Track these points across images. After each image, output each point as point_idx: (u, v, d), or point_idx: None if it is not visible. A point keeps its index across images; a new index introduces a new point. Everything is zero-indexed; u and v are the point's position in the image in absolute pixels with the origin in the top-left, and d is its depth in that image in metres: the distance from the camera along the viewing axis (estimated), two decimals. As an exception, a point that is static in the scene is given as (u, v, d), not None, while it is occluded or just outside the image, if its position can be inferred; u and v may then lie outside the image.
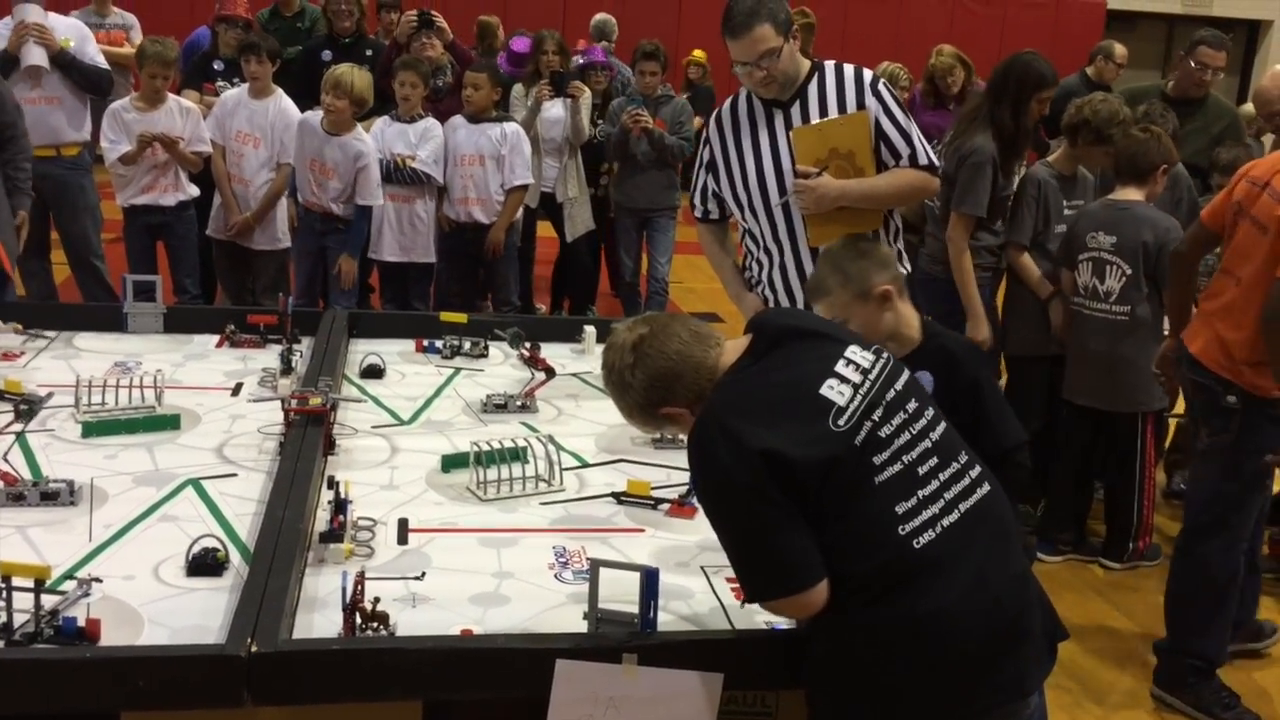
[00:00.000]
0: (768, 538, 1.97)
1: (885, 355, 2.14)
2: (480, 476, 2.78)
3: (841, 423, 2.00)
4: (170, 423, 3.07)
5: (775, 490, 1.94)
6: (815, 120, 3.37)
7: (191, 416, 3.16)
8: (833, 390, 2.03)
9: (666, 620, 2.16)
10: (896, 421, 2.04)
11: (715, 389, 2.11)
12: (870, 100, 3.37)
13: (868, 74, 3.43)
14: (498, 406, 3.36)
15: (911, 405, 2.08)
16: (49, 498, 2.54)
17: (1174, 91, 5.74)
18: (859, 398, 2.03)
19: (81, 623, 2.01)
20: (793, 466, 1.94)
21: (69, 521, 2.49)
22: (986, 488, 2.10)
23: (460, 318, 4.01)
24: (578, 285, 7.26)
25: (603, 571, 2.08)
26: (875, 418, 2.02)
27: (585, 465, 3.01)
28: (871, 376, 2.07)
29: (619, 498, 2.78)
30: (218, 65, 6.39)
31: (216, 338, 3.88)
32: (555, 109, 6.59)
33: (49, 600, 2.06)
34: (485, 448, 2.81)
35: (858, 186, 3.33)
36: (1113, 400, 4.49)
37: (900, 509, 1.98)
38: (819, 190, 3.30)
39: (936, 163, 3.48)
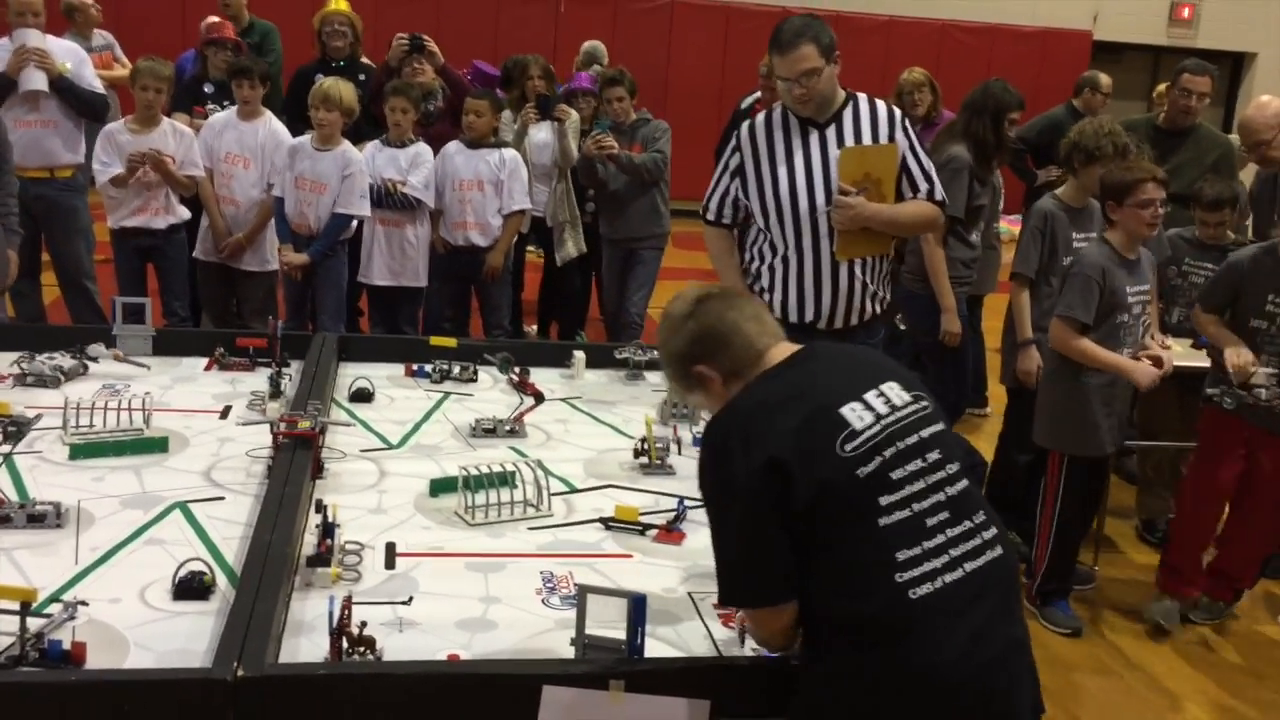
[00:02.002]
0: (752, 546, 1.99)
1: (924, 403, 2.11)
2: (468, 501, 2.78)
3: (849, 448, 1.98)
4: (158, 445, 3.07)
5: (771, 501, 1.95)
6: (849, 144, 3.61)
7: (179, 439, 3.15)
8: (853, 413, 2.02)
9: (654, 647, 2.16)
10: (911, 468, 2.01)
11: (745, 387, 2.12)
12: (900, 136, 3.67)
13: (897, 112, 3.73)
14: (486, 431, 3.36)
15: (933, 456, 2.05)
16: (35, 520, 2.54)
17: (1164, 123, 5.79)
18: (877, 428, 2.01)
19: (67, 646, 2.00)
20: (790, 480, 1.94)
21: (55, 544, 2.48)
22: (998, 551, 2.05)
23: (450, 342, 4.02)
24: (567, 310, 7.25)
25: (590, 597, 2.08)
26: (887, 455, 2.00)
27: (573, 490, 3.01)
28: (898, 415, 2.05)
29: (607, 523, 2.79)
30: (208, 88, 6.40)
31: (205, 360, 3.88)
32: (543, 133, 6.59)
33: (35, 623, 2.05)
34: (474, 472, 2.81)
35: (887, 212, 3.62)
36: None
37: (901, 556, 1.95)
38: (857, 209, 3.56)
39: (946, 200, 3.81)
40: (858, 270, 3.67)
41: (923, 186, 3.69)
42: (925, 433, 2.06)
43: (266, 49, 7.04)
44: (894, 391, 2.08)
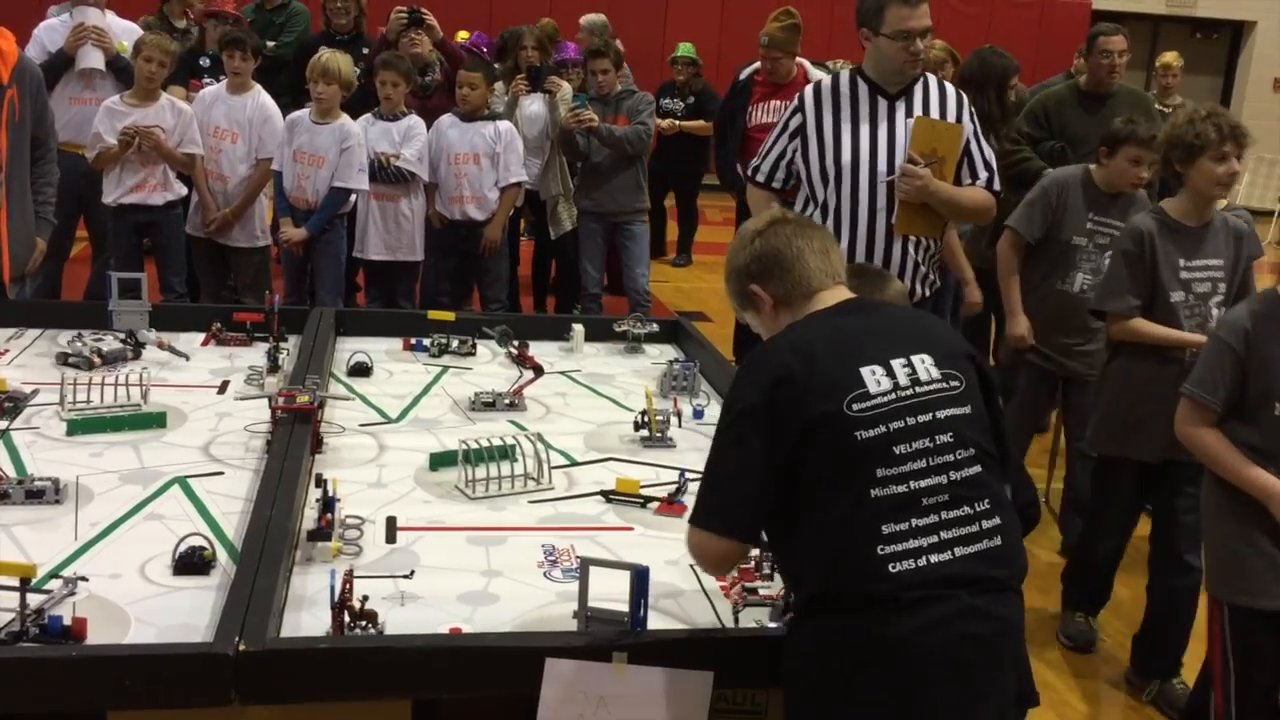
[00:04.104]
0: (733, 471, 2.00)
1: (955, 383, 2.05)
2: (469, 475, 2.77)
3: (856, 408, 1.96)
4: (156, 421, 3.05)
5: (768, 433, 1.96)
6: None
7: (178, 414, 3.14)
8: (872, 375, 2.00)
9: (656, 619, 2.15)
10: (916, 445, 1.98)
11: (792, 324, 2.14)
12: (966, 119, 3.64)
13: (964, 96, 3.70)
14: (486, 405, 3.35)
15: (943, 438, 2.00)
16: (34, 496, 2.52)
17: (1088, 85, 5.80)
18: (890, 398, 1.99)
19: (67, 621, 1.99)
20: (796, 401, 1.95)
21: (54, 520, 2.47)
22: (995, 541, 2.00)
23: (448, 316, 4.01)
24: (564, 283, 7.23)
25: (592, 570, 2.07)
26: (892, 427, 1.97)
27: (574, 464, 3.00)
28: (918, 390, 2.01)
29: (608, 496, 2.78)
30: (204, 61, 6.37)
31: (203, 336, 3.86)
32: (535, 105, 6.55)
33: (34, 599, 2.04)
34: (474, 446, 2.80)
35: (949, 191, 3.57)
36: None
37: (886, 529, 1.93)
38: (924, 182, 3.51)
39: (1002, 193, 3.77)
40: (911, 248, 3.64)
41: (982, 174, 3.66)
42: (942, 413, 2.02)
43: (288, 29, 7.00)
44: (923, 365, 2.04)
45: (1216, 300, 3.69)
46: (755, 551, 2.40)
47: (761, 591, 2.32)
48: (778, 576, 2.34)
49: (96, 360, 3.46)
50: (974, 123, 3.67)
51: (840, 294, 2.18)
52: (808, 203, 3.73)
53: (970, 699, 1.94)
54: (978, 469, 2.02)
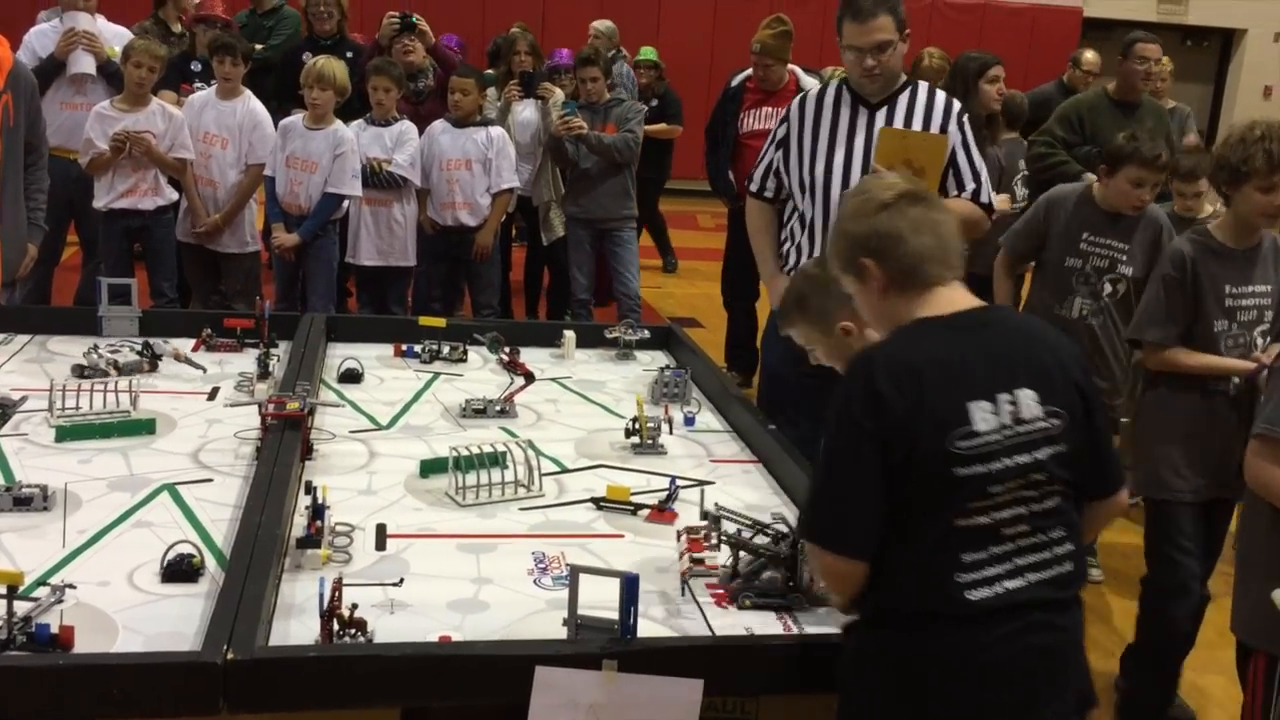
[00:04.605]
0: (850, 487, 1.94)
1: (1055, 421, 1.99)
2: (459, 482, 2.76)
3: (961, 445, 1.92)
4: (145, 427, 3.04)
5: (878, 451, 1.91)
6: (899, 128, 3.47)
7: (167, 421, 3.13)
8: (980, 412, 1.94)
9: (646, 627, 2.15)
10: (1011, 484, 1.95)
11: (901, 326, 2.04)
12: (953, 128, 3.52)
13: (955, 104, 3.57)
14: (477, 411, 3.34)
15: (1036, 477, 1.97)
16: (22, 503, 2.51)
17: (1117, 94, 5.77)
18: (996, 438, 1.94)
19: (55, 630, 1.98)
20: (902, 429, 1.89)
21: (42, 527, 2.46)
22: (1067, 567, 2.01)
23: (439, 322, 4.00)
24: (556, 289, 7.22)
25: (582, 577, 2.07)
26: (993, 468, 1.93)
27: (564, 470, 2.99)
28: (1020, 430, 1.96)
29: (598, 503, 2.77)
30: (195, 66, 6.36)
31: (193, 341, 3.85)
32: (527, 111, 6.56)
33: (22, 607, 2.03)
34: (464, 453, 2.79)
35: None
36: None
37: (967, 558, 1.93)
38: None
39: (994, 205, 3.64)
40: None
41: (969, 185, 3.53)
42: (1040, 454, 1.98)
43: (277, 33, 7.00)
44: (1028, 402, 1.98)
45: (1261, 329, 3.43)
46: (704, 522, 2.46)
47: (708, 562, 2.39)
48: (724, 548, 2.40)
49: (113, 372, 3.41)
50: (964, 132, 3.57)
51: (955, 296, 2.07)
52: (793, 211, 3.72)
53: (1034, 707, 1.98)
54: (1058, 500, 2.01)
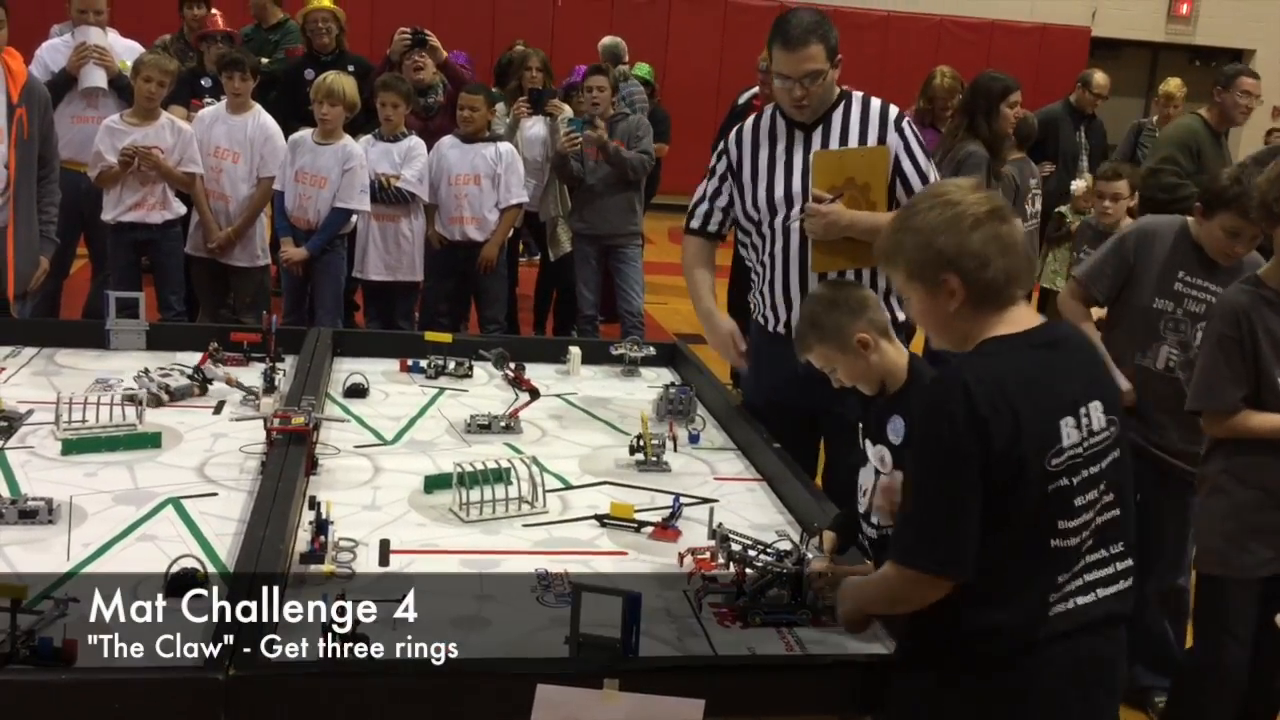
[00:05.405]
0: (953, 509, 1.95)
1: (1113, 429, 2.05)
2: (463, 498, 2.77)
3: (1054, 463, 1.96)
4: (151, 441, 3.05)
5: (975, 472, 1.92)
6: (835, 147, 3.35)
7: (173, 434, 3.14)
8: (1066, 427, 1.97)
9: (649, 645, 2.15)
10: (1089, 497, 2.00)
11: (979, 346, 2.03)
12: (892, 136, 3.35)
13: (893, 110, 3.40)
14: (481, 427, 3.35)
15: (1103, 485, 2.03)
16: (27, 515, 2.52)
17: (1216, 122, 5.91)
18: (1079, 450, 1.99)
19: (58, 644, 1.99)
20: (997, 450, 1.91)
21: (47, 540, 2.47)
22: (1128, 583, 2.08)
23: (445, 337, 4.01)
24: (563, 305, 7.23)
25: (585, 595, 2.07)
26: (1075, 481, 1.97)
27: (569, 487, 3.00)
28: (1092, 441, 2.01)
29: (602, 520, 2.77)
30: (205, 82, 6.38)
31: (200, 355, 3.86)
32: (536, 127, 6.57)
33: (25, 620, 2.03)
34: (468, 469, 2.80)
35: (868, 219, 3.23)
36: None
37: (1061, 578, 1.99)
38: (830, 217, 3.24)
39: None
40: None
41: (918, 191, 3.32)
42: (1105, 463, 2.03)
43: (282, 47, 7.03)
44: (1097, 413, 2.03)
45: None
46: (711, 541, 2.47)
47: (720, 579, 2.39)
48: (732, 564, 2.39)
49: (165, 398, 3.38)
50: (905, 137, 3.36)
51: (1024, 312, 2.07)
52: (750, 250, 3.51)
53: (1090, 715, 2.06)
54: (1117, 512, 2.06)
